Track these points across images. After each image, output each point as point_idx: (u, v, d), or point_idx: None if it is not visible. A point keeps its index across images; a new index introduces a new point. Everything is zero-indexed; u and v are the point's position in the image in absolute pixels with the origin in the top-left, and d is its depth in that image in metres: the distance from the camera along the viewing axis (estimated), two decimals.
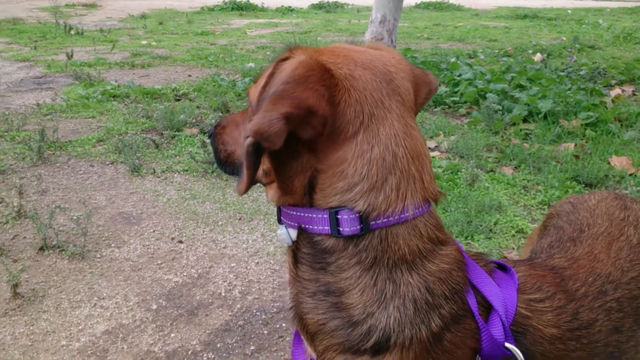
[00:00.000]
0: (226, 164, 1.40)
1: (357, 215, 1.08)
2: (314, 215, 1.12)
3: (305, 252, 1.16)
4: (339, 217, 1.09)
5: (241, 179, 1.07)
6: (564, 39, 13.13)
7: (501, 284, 1.24)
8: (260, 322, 2.87)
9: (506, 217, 3.96)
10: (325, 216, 1.10)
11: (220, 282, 3.20)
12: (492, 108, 5.89)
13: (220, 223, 3.89)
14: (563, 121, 5.89)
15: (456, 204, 4.09)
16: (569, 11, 20.22)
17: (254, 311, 2.95)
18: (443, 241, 1.17)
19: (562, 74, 7.75)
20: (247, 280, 3.23)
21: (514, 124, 5.89)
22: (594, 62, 9.23)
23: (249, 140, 1.00)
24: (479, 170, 4.71)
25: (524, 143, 5.31)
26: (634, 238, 1.52)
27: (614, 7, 23.17)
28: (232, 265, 3.38)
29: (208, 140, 1.57)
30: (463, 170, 4.69)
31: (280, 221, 1.24)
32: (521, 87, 6.71)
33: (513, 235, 3.78)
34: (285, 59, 1.12)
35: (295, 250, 1.19)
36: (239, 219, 3.95)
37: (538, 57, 9.95)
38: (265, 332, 2.80)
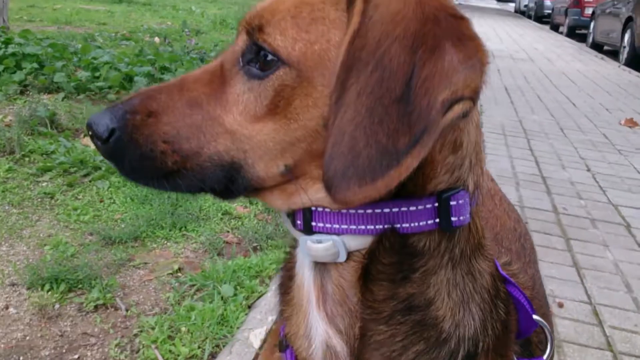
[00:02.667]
0: (184, 173, 0.84)
1: (468, 197, 0.82)
2: (413, 208, 0.80)
3: (386, 262, 0.82)
4: (452, 203, 0.80)
5: (379, 175, 0.70)
6: (169, 23, 13.31)
7: None
8: None
9: (209, 201, 3.78)
10: (429, 206, 0.81)
11: None
12: None
13: None
14: None
15: (159, 195, 3.70)
16: None
17: None
18: None
19: (195, 56, 7.81)
20: None
21: None
22: (215, 44, 9.60)
23: (467, 105, 0.68)
24: None
25: None
26: (497, 187, 1.58)
27: None
28: None
29: (96, 141, 0.86)
30: None
31: (311, 230, 0.85)
32: (166, 70, 6.50)
33: (221, 219, 3.64)
34: None
35: (367, 264, 0.83)
36: None
37: (157, 40, 9.85)
38: None
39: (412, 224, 0.81)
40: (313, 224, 0.86)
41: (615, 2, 14.09)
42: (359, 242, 0.84)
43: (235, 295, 2.77)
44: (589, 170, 5.10)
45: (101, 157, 4.20)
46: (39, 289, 2.69)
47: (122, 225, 3.39)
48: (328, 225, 0.85)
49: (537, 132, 6.30)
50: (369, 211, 0.82)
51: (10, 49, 6.15)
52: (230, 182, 0.86)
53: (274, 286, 2.83)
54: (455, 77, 0.69)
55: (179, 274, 2.99)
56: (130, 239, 3.25)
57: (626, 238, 3.73)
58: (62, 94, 5.70)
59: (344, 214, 0.84)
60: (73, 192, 3.75)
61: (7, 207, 3.50)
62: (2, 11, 7.16)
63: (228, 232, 3.52)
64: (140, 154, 0.85)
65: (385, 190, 0.72)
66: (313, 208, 0.86)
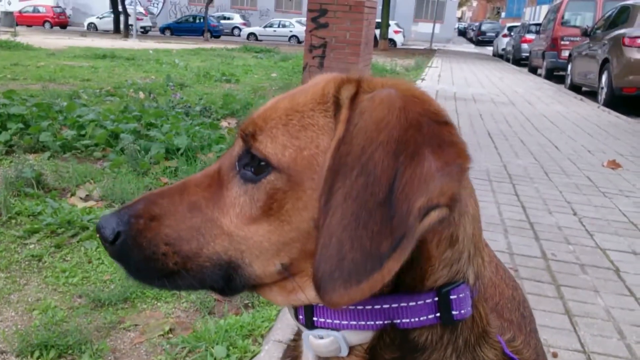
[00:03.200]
0: (183, 274, 0.87)
1: (469, 289, 0.82)
2: (413, 303, 0.80)
3: (388, 357, 0.83)
4: (452, 297, 0.81)
5: (363, 278, 0.71)
6: (153, 77, 13.44)
7: None
8: None
9: None
10: (429, 300, 0.81)
11: None
12: (133, 148, 5.58)
13: None
14: (201, 155, 5.99)
15: None
16: (151, 52, 20.87)
17: None
18: None
19: (180, 110, 7.86)
20: None
21: (157, 163, 5.70)
22: (200, 98, 9.68)
23: (444, 212, 0.70)
24: None
25: (174, 181, 5.17)
26: (492, 253, 1.57)
27: (178, 49, 24.90)
28: None
29: (105, 244, 0.91)
30: None
31: (312, 325, 0.85)
32: (152, 126, 6.54)
33: None
34: (355, 95, 0.80)
35: (369, 359, 0.84)
36: None
37: (141, 95, 9.93)
38: None
39: (413, 319, 0.81)
40: (315, 318, 0.87)
41: (591, 45, 14.47)
42: (360, 337, 0.85)
43: (228, 356, 2.74)
44: (575, 214, 5.15)
45: (89, 217, 4.19)
46: (29, 357, 2.64)
47: (112, 286, 3.35)
48: (329, 321, 0.86)
49: (522, 177, 6.38)
50: (369, 307, 0.83)
51: None
52: (229, 280, 0.88)
53: (266, 346, 2.80)
54: (431, 184, 0.71)
55: (170, 335, 2.95)
56: (120, 300, 3.20)
57: (616, 283, 3.75)
58: (47, 153, 5.70)
59: (344, 309, 0.84)
60: (61, 254, 3.72)
61: None
62: None
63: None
64: (144, 256, 0.88)
65: (370, 293, 0.73)
66: (314, 303, 0.88)
